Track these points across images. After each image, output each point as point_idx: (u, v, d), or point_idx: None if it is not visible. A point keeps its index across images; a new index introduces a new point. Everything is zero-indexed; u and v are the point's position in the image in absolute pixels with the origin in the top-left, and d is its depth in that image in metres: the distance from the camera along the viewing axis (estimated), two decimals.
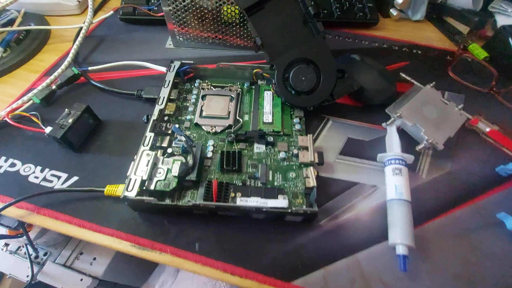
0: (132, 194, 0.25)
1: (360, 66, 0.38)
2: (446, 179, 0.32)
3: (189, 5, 0.38)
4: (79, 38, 0.41)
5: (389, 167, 0.30)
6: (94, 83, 0.38)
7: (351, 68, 0.38)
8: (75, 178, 0.31)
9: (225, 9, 0.39)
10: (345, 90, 0.34)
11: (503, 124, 0.36)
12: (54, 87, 0.37)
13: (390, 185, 0.29)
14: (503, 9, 0.50)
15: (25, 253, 0.53)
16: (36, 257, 0.54)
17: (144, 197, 0.26)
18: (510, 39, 0.42)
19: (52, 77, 0.38)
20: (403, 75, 0.40)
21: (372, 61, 0.39)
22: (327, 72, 0.33)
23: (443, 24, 0.50)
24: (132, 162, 0.28)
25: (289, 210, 0.26)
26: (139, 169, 0.27)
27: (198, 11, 0.39)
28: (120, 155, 0.33)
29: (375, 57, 0.44)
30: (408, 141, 0.34)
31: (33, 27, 0.45)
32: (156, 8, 0.46)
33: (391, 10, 0.50)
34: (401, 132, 0.35)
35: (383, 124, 0.35)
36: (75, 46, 0.41)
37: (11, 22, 0.46)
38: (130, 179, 0.26)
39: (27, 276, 0.51)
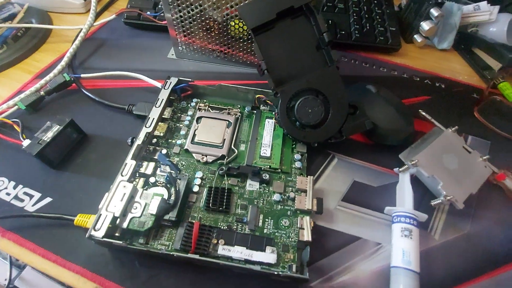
0: (99, 234, 0.22)
1: (375, 100, 0.34)
2: (463, 243, 0.28)
3: (197, 15, 0.35)
4: (77, 42, 0.39)
5: (397, 225, 0.26)
6: (85, 92, 0.36)
7: (365, 101, 0.34)
8: (48, 200, 0.28)
9: (233, 24, 0.36)
10: (356, 129, 0.30)
11: None
12: (42, 93, 0.35)
13: (396, 248, 0.25)
14: None
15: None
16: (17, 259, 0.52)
17: (113, 240, 0.22)
18: None
19: (42, 81, 0.35)
20: (423, 113, 0.35)
21: (389, 94, 0.35)
22: (337, 106, 0.30)
23: (472, 57, 0.45)
24: (106, 194, 0.25)
25: (275, 273, 0.22)
26: (112, 203, 0.24)
27: (206, 22, 0.36)
28: (101, 176, 0.30)
29: (393, 88, 0.40)
30: (422, 192, 0.30)
31: (33, 25, 0.43)
32: (162, 14, 0.44)
33: (415, 36, 0.46)
34: (415, 179, 0.31)
35: (396, 170, 0.31)
36: (71, 50, 0.38)
37: (12, 17, 0.44)
38: (100, 215, 0.23)
39: (5, 279, 0.49)
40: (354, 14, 0.46)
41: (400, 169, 0.30)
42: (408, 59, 0.45)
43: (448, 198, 0.27)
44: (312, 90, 0.30)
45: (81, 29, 0.40)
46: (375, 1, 0.48)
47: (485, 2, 0.46)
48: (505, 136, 0.36)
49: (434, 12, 0.42)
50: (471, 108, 0.39)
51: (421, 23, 0.44)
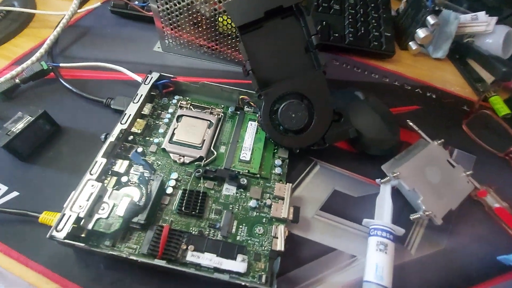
0: (61, 235, 0.21)
1: (362, 107, 0.33)
2: (439, 258, 0.27)
3: (184, 8, 0.34)
4: (58, 28, 0.37)
5: (373, 239, 0.26)
6: (63, 82, 0.34)
7: (352, 107, 0.33)
8: (14, 194, 0.27)
9: (221, 20, 0.34)
10: (339, 136, 0.30)
11: None
12: (17, 80, 0.33)
13: (370, 262, 0.25)
14: None
15: None
16: None
17: (75, 242, 0.21)
18: None
19: (19, 68, 0.34)
20: (410, 123, 0.35)
21: (377, 102, 0.34)
22: (321, 112, 0.29)
23: (466, 68, 0.45)
24: (73, 192, 0.24)
25: (242, 283, 0.21)
26: (78, 202, 0.23)
27: (194, 16, 0.34)
28: (73, 172, 0.29)
29: (383, 95, 0.39)
30: (403, 204, 0.30)
31: (14, 8, 0.41)
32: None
33: (410, 43, 0.45)
34: (396, 191, 0.30)
35: (377, 180, 0.31)
36: (51, 37, 0.37)
37: None
38: (64, 214, 0.22)
39: None
40: (350, 17, 0.45)
41: (381, 181, 0.30)
42: (401, 66, 0.44)
43: (427, 213, 0.27)
44: (297, 94, 0.29)
45: (64, 15, 0.39)
46: (372, 5, 0.46)
47: (484, 12, 0.45)
48: (491, 151, 0.35)
49: (431, 20, 0.41)
50: (460, 120, 0.38)
51: (417, 30, 0.43)
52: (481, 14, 0.45)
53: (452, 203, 0.28)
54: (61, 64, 0.35)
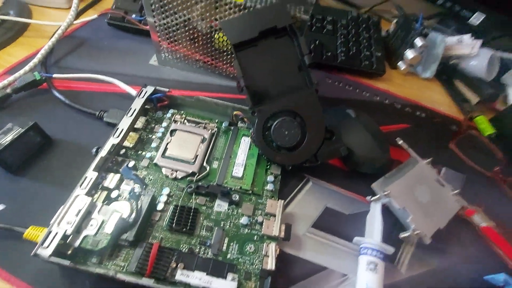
0: (46, 252, 0.21)
1: (353, 125, 0.34)
2: (429, 278, 0.28)
3: (181, 24, 0.34)
4: (53, 39, 0.37)
5: (363, 258, 0.26)
6: (56, 93, 0.34)
7: (344, 125, 0.34)
8: (1, 207, 0.26)
9: (217, 37, 0.35)
10: (331, 154, 0.30)
11: (503, 220, 0.32)
12: (9, 90, 0.33)
13: (361, 282, 0.25)
14: None
15: None
16: None
17: (60, 260, 0.21)
18: None
19: (11, 78, 0.34)
20: (400, 142, 0.36)
21: (368, 120, 0.35)
22: (314, 130, 0.29)
23: (452, 88, 0.46)
24: (61, 207, 0.23)
25: None
26: (66, 218, 0.22)
27: (191, 32, 0.35)
28: (62, 186, 0.28)
29: (374, 113, 0.40)
30: (393, 222, 0.30)
31: (9, 17, 0.41)
32: None
33: (399, 63, 0.47)
34: (386, 209, 0.30)
35: (368, 198, 0.31)
36: (46, 47, 0.37)
37: None
38: (50, 231, 0.22)
39: None
40: (342, 37, 0.46)
41: (372, 199, 0.30)
42: (391, 85, 0.46)
43: (416, 232, 0.27)
44: (290, 112, 0.30)
45: (60, 25, 0.39)
46: (364, 25, 0.48)
47: (469, 35, 0.47)
48: (478, 170, 0.36)
49: (419, 42, 0.43)
50: (448, 139, 0.39)
51: (406, 51, 0.45)
52: (467, 37, 0.47)
53: (440, 222, 0.29)
54: (54, 75, 0.35)
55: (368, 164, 0.32)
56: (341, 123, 0.34)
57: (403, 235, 0.28)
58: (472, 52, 0.46)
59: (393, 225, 0.30)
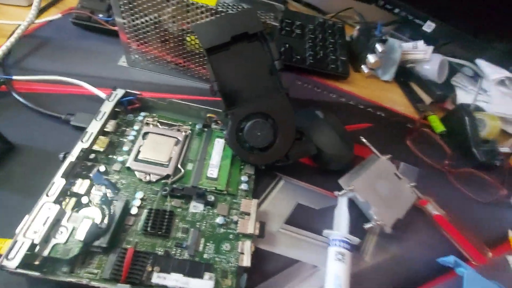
0: (12, 264, 0.20)
1: (321, 125, 0.36)
2: (389, 264, 0.30)
3: (152, 26, 0.34)
4: (12, 38, 0.35)
5: (332, 249, 0.28)
6: (16, 96, 0.32)
7: (312, 125, 0.36)
8: None
9: (189, 40, 0.35)
10: (301, 154, 0.32)
11: (451, 208, 0.36)
12: None
13: (330, 272, 0.27)
14: (463, 85, 0.52)
15: None
16: None
17: (28, 272, 0.20)
18: (466, 118, 0.43)
19: None
20: (363, 140, 0.39)
21: (335, 121, 0.37)
22: (285, 131, 0.31)
23: (409, 90, 0.51)
24: (27, 216, 0.22)
25: None
26: (32, 227, 0.22)
27: (162, 34, 0.35)
28: (27, 194, 0.27)
29: (340, 113, 0.43)
30: (358, 214, 0.33)
31: None
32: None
33: (362, 66, 0.50)
34: (352, 203, 0.33)
35: (335, 193, 0.33)
36: (3, 47, 0.34)
37: None
38: (16, 241, 0.21)
39: None
40: (310, 41, 0.48)
41: (339, 193, 0.32)
42: (355, 87, 0.49)
43: (378, 222, 0.30)
44: (262, 114, 0.31)
45: (19, 24, 0.36)
46: (330, 31, 0.51)
47: (422, 41, 0.52)
48: (430, 164, 0.40)
49: (379, 47, 0.47)
50: (405, 136, 0.43)
51: (368, 55, 0.48)
52: (420, 43, 0.52)
53: (399, 212, 0.32)
54: (14, 77, 0.33)
55: (335, 161, 0.34)
56: (311, 124, 0.36)
57: (366, 226, 0.31)
58: (425, 57, 0.51)
59: (358, 217, 0.33)
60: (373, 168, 0.34)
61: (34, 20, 0.37)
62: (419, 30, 0.59)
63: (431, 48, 0.52)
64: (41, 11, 0.43)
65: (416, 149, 0.41)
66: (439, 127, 0.44)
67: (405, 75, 0.52)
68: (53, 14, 0.42)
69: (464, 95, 0.51)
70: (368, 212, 0.31)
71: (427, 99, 0.49)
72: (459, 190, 0.39)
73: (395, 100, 0.49)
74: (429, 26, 0.53)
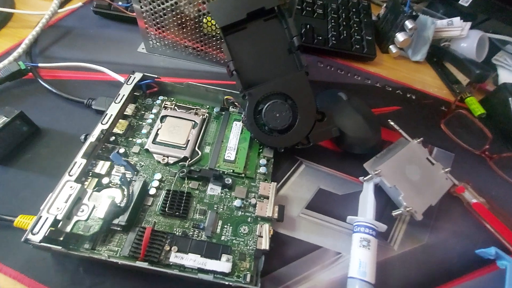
0: (37, 238, 0.21)
1: (345, 108, 0.34)
2: (420, 254, 0.28)
3: (169, 9, 0.34)
4: (37, 28, 0.36)
5: (356, 235, 0.26)
6: (42, 82, 0.33)
7: (335, 107, 0.34)
8: None
9: (205, 21, 0.34)
10: (323, 136, 0.30)
11: (492, 196, 0.32)
12: None
13: (354, 258, 0.25)
14: (506, 64, 0.47)
15: None
16: None
17: (51, 245, 0.21)
18: (510, 99, 0.39)
19: None
20: (392, 123, 0.36)
21: (359, 103, 0.35)
22: (305, 112, 0.29)
23: (443, 70, 0.47)
24: (50, 194, 0.23)
25: (226, 283, 0.21)
26: (55, 204, 0.22)
27: (178, 17, 0.34)
28: (51, 174, 0.28)
29: (365, 96, 0.40)
30: (385, 201, 0.31)
31: None
32: None
33: (390, 46, 0.47)
34: (379, 189, 0.31)
35: (361, 178, 0.31)
36: (30, 36, 0.36)
37: None
38: (40, 217, 0.21)
39: None
40: (332, 21, 0.46)
41: (365, 178, 0.30)
42: (382, 69, 0.46)
43: (408, 209, 0.27)
44: (280, 94, 0.29)
45: (44, 15, 0.38)
46: (354, 10, 0.48)
47: (458, 18, 0.47)
48: (467, 149, 0.37)
49: (409, 24, 0.43)
50: (439, 120, 0.39)
51: (396, 34, 0.45)
52: (456, 20, 0.47)
53: (432, 199, 0.29)
54: (39, 64, 0.34)
55: (359, 145, 0.32)
56: (333, 106, 0.34)
57: (395, 212, 0.28)
58: (462, 34, 0.46)
59: (385, 204, 0.30)
60: (403, 152, 0.31)
61: (58, 10, 0.39)
62: (454, 6, 0.54)
63: (468, 24, 0.47)
64: (64, 2, 0.44)
65: (452, 133, 0.38)
66: (479, 110, 0.40)
67: (439, 55, 0.48)
68: (75, 4, 0.43)
69: (507, 75, 0.46)
70: (397, 198, 0.29)
71: (464, 80, 0.44)
72: (500, 177, 0.35)
73: (427, 82, 0.45)
74: (466, 0, 0.48)
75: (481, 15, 0.54)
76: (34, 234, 0.21)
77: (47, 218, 0.21)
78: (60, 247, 0.21)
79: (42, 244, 0.20)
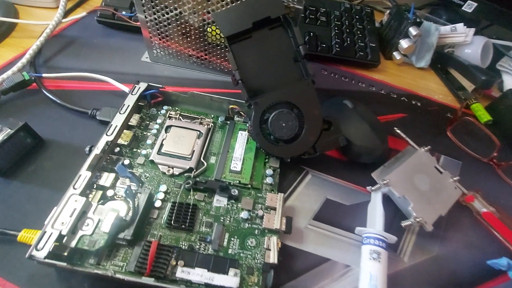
0: (41, 254, 0.20)
1: (351, 116, 0.33)
2: (431, 265, 0.27)
3: (173, 18, 0.34)
4: (41, 38, 0.36)
5: (366, 247, 0.26)
6: (46, 93, 0.33)
7: (341, 116, 0.33)
8: None
9: (210, 31, 0.34)
10: (330, 145, 0.30)
11: (500, 204, 0.32)
12: None
13: (364, 271, 0.24)
14: (511, 70, 0.47)
15: None
16: None
17: (56, 262, 0.20)
18: None
19: None
20: (398, 131, 0.35)
21: (365, 111, 0.35)
22: (311, 121, 0.29)
23: (447, 76, 0.46)
24: (55, 208, 0.22)
25: None
26: (60, 219, 0.22)
27: (183, 26, 0.34)
28: (55, 188, 0.27)
29: (370, 103, 0.40)
30: (394, 211, 0.30)
31: None
32: None
33: (394, 53, 0.46)
34: (387, 199, 0.30)
35: (368, 188, 0.31)
36: (34, 47, 0.36)
37: None
38: (45, 232, 0.21)
39: None
40: (336, 28, 0.46)
41: (372, 188, 0.30)
42: (386, 76, 0.45)
43: (418, 220, 0.27)
44: (287, 103, 0.29)
45: (48, 24, 0.38)
46: (357, 16, 0.48)
47: (462, 24, 0.47)
48: (475, 157, 0.36)
49: (413, 31, 0.43)
50: (445, 127, 0.39)
51: (400, 40, 0.45)
52: (460, 26, 0.47)
53: (441, 209, 0.29)
54: (44, 75, 0.34)
55: (367, 154, 0.32)
56: (339, 114, 0.34)
57: (404, 223, 0.28)
58: (466, 40, 0.46)
59: (394, 215, 0.30)
60: (410, 161, 0.31)
61: (61, 20, 0.39)
62: (457, 12, 0.54)
63: (472, 30, 0.47)
64: (68, 11, 0.44)
65: (459, 140, 0.38)
66: (485, 116, 0.40)
67: (443, 61, 0.47)
68: (79, 14, 0.43)
69: None
70: (406, 208, 0.28)
71: (469, 86, 0.44)
72: (509, 185, 0.35)
73: (432, 88, 0.45)
74: (469, 6, 0.48)
75: (484, 21, 0.54)
76: (38, 250, 0.20)
77: (51, 233, 0.21)
78: (65, 264, 0.20)
79: (46, 260, 0.20)
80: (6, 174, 0.27)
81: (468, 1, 0.48)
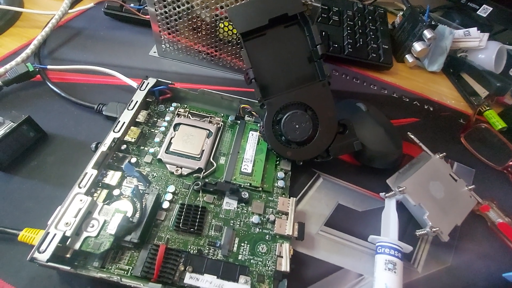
0: (44, 257, 0.19)
1: (364, 119, 0.32)
2: (445, 277, 0.27)
3: (184, 12, 0.32)
4: (46, 29, 0.35)
5: (381, 257, 0.25)
6: (50, 85, 0.32)
7: (354, 119, 0.32)
8: None
9: (222, 26, 0.33)
10: (344, 149, 0.29)
11: None
12: (0, 82, 0.31)
13: (379, 282, 0.23)
14: None
15: None
16: None
17: (59, 265, 0.19)
18: None
19: (1, 69, 0.31)
20: (412, 136, 0.35)
21: (378, 114, 0.34)
22: (326, 124, 0.28)
23: (460, 81, 0.46)
24: (59, 208, 0.21)
25: None
26: (64, 219, 0.21)
27: (194, 21, 0.33)
28: (59, 184, 0.26)
29: (382, 106, 0.39)
30: (407, 219, 0.29)
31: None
32: (147, 8, 0.40)
33: (407, 56, 0.45)
34: (400, 206, 0.29)
35: (382, 195, 0.30)
36: (39, 37, 0.34)
37: None
38: (48, 233, 0.20)
39: None
40: (348, 28, 0.45)
41: (386, 195, 0.29)
42: (398, 79, 0.44)
43: (434, 229, 0.26)
44: (301, 105, 0.28)
45: (54, 15, 0.36)
46: (370, 17, 0.47)
47: (475, 28, 0.46)
48: (489, 165, 0.36)
49: (428, 33, 0.42)
50: (458, 133, 0.38)
51: (414, 43, 0.44)
52: (473, 30, 0.46)
53: (457, 218, 0.28)
54: (48, 66, 0.33)
55: (381, 159, 0.31)
56: (352, 117, 0.33)
57: (419, 232, 0.27)
58: (480, 45, 0.45)
59: (407, 222, 0.29)
60: (425, 168, 0.30)
61: (68, 10, 0.37)
62: (470, 16, 0.53)
63: (486, 35, 0.46)
64: (74, 2, 0.43)
65: (472, 147, 0.37)
66: (499, 123, 0.39)
67: (456, 66, 0.46)
68: (86, 5, 0.41)
69: None
70: (422, 217, 0.27)
71: (482, 92, 0.43)
72: None
73: (444, 93, 0.44)
74: (485, 10, 0.47)
75: (497, 26, 0.53)
76: (41, 253, 0.19)
77: (55, 234, 0.20)
78: (68, 267, 0.19)
79: (49, 264, 0.19)
80: (8, 169, 0.26)
81: (484, 5, 0.47)
